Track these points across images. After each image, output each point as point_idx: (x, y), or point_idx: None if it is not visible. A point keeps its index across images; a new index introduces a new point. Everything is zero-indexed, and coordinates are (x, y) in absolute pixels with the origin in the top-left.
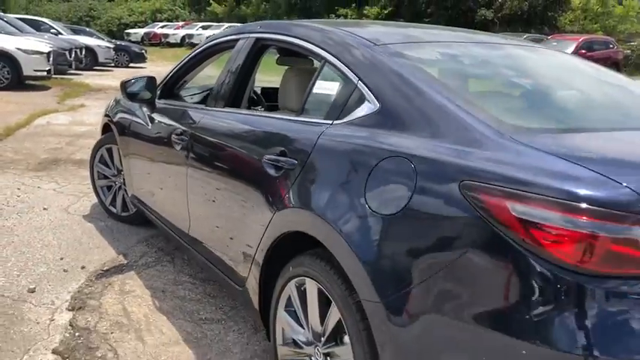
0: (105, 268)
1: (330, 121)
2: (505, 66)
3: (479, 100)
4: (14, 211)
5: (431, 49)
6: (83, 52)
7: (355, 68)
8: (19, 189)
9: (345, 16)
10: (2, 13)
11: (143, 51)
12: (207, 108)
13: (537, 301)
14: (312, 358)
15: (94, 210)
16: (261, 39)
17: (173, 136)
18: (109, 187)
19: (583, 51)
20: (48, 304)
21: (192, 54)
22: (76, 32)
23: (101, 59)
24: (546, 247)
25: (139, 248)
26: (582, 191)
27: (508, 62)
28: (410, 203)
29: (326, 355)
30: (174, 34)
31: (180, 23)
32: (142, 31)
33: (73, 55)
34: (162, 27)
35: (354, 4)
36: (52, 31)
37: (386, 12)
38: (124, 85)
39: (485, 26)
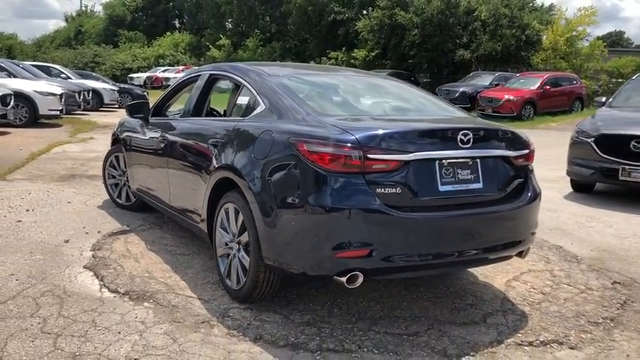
0: (114, 232)
1: (242, 118)
2: (343, 85)
3: (311, 101)
4: (47, 204)
5: (301, 77)
6: (90, 94)
7: (256, 88)
8: (48, 192)
9: (336, 59)
10: (18, 61)
11: (145, 93)
12: (180, 119)
13: (317, 186)
14: (233, 249)
15: (105, 203)
16: (212, 74)
17: (158, 139)
18: (116, 185)
19: (548, 87)
20: (78, 247)
21: (174, 85)
22: (83, 77)
23: (106, 100)
24: (318, 161)
25: (138, 222)
26: (333, 137)
27: (346, 83)
28: (270, 151)
29: (238, 242)
30: (174, 78)
31: (181, 67)
32: (144, 75)
33: (81, 97)
34: (163, 71)
35: (344, 48)
36: (62, 75)
37: (373, 54)
38: (129, 106)
39: (463, 66)
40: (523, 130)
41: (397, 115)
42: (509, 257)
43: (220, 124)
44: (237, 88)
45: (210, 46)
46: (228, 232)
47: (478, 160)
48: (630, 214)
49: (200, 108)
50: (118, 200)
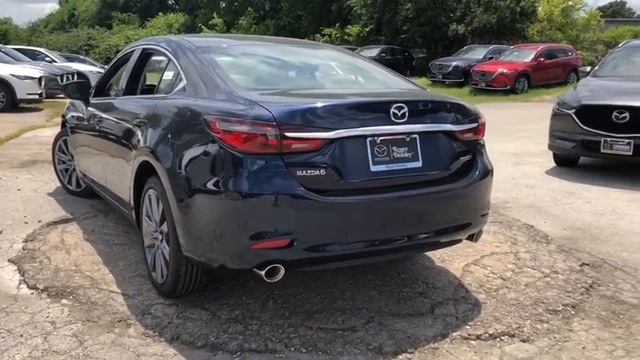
0: (55, 220)
1: (166, 95)
2: (280, 57)
3: (237, 75)
4: None
5: (233, 49)
6: (75, 77)
7: (181, 61)
8: (0, 179)
9: (330, 36)
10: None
11: None
12: (114, 98)
13: (231, 169)
14: (157, 239)
15: (57, 190)
16: (145, 49)
17: (94, 121)
18: (67, 170)
19: (542, 59)
20: (10, 239)
21: (112, 63)
22: (70, 60)
23: (93, 83)
24: (229, 141)
25: (84, 209)
26: (247, 114)
27: (285, 55)
28: (185, 131)
29: (160, 232)
30: None
31: None
32: None
33: (64, 80)
34: None
35: (337, 24)
36: (47, 59)
37: (367, 30)
38: (65, 87)
39: (458, 39)
40: (517, 104)
41: (332, 88)
42: (457, 242)
43: (145, 103)
44: (167, 62)
45: (203, 27)
46: (152, 221)
47: (416, 137)
48: (611, 189)
49: (134, 86)
50: (68, 186)
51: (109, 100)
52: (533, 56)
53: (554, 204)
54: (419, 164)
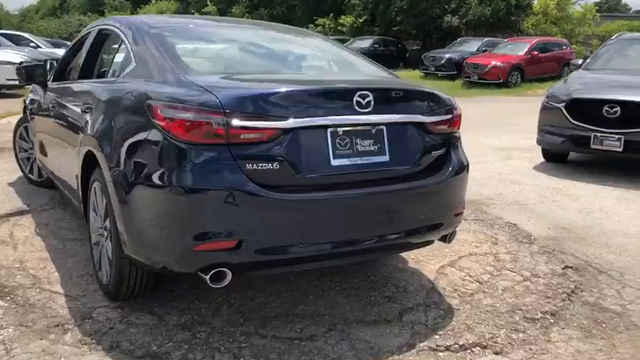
0: (9, 212)
1: (115, 79)
2: (242, 39)
3: (188, 57)
4: None
5: (190, 29)
6: None
7: (132, 42)
8: None
9: (323, 26)
10: None
11: None
12: (70, 82)
13: (173, 161)
14: (103, 235)
15: (19, 180)
16: (101, 29)
17: (50, 107)
18: (28, 159)
19: (536, 52)
20: None
21: (70, 45)
22: (56, 45)
23: None
24: (172, 129)
25: (43, 200)
26: (191, 99)
27: (247, 37)
28: (128, 118)
29: (105, 228)
30: None
31: None
32: None
33: (48, 66)
34: None
35: (331, 14)
36: (32, 44)
37: (361, 21)
38: (18, 70)
39: (452, 32)
40: (510, 98)
41: (295, 74)
42: (428, 243)
43: (93, 87)
44: (120, 43)
45: (196, 14)
46: (98, 216)
47: (383, 128)
48: (600, 186)
49: (90, 68)
50: (30, 176)
51: (65, 85)
52: (527, 49)
53: (540, 201)
54: (386, 158)
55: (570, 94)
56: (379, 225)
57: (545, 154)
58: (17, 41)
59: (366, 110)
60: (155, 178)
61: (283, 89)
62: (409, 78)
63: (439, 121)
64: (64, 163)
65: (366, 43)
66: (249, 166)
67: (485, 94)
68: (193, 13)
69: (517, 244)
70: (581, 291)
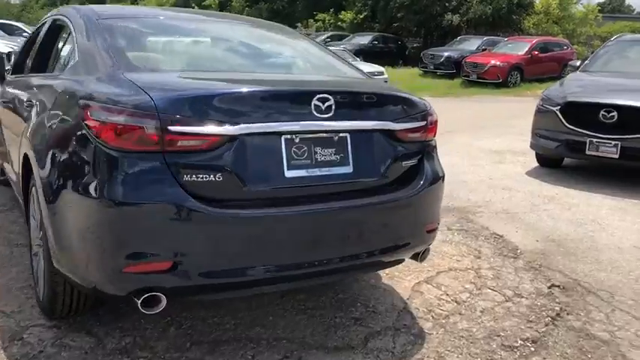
0: None
1: (59, 73)
2: (202, 33)
3: (136, 53)
4: None
5: (144, 22)
6: None
7: (79, 33)
8: None
9: (323, 21)
10: None
11: None
12: (22, 76)
13: (101, 171)
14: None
15: None
16: (55, 19)
17: (3, 100)
18: None
19: (536, 52)
20: None
21: (28, 37)
22: None
23: None
24: (102, 134)
25: (2, 202)
26: (123, 100)
27: (208, 31)
28: (60, 120)
29: (41, 238)
30: None
31: None
32: None
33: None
34: None
35: (332, 10)
36: (25, 34)
37: (361, 17)
38: None
39: (453, 30)
40: (508, 98)
41: (250, 73)
42: (397, 262)
43: (37, 82)
44: (68, 34)
45: (195, 6)
46: (37, 224)
47: (347, 136)
48: (594, 194)
49: (40, 62)
50: None
51: (17, 79)
52: (527, 49)
53: (531, 210)
54: (349, 169)
55: (566, 97)
56: (340, 244)
57: (539, 158)
58: (10, 31)
59: (327, 116)
60: (82, 188)
61: (230, 90)
62: (407, 76)
63: (411, 129)
64: (13, 163)
65: (365, 39)
66: (187, 178)
67: (483, 93)
68: (193, 7)
69: (501, 259)
70: (567, 314)
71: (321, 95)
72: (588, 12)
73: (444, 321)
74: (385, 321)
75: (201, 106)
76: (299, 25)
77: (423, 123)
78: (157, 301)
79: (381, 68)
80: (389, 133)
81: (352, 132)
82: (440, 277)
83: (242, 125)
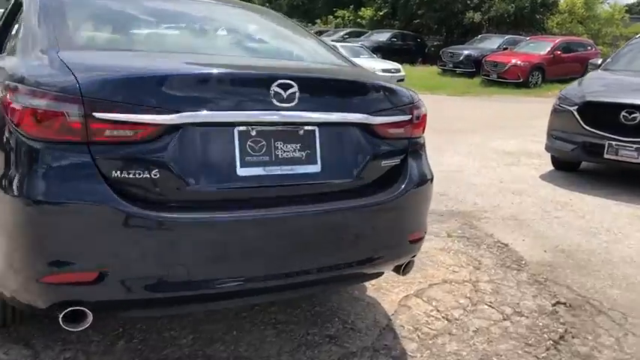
0: None
1: (6, 54)
2: (162, 11)
3: (81, 32)
4: None
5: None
6: None
7: (27, 11)
8: None
9: (343, 18)
10: None
11: None
12: None
13: (18, 164)
14: None
15: None
16: None
17: None
18: None
19: (559, 52)
20: None
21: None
22: None
23: None
24: (21, 122)
25: None
26: (43, 82)
27: (171, 8)
28: None
29: None
30: None
31: None
32: None
33: None
34: None
35: (351, 6)
36: None
37: (381, 13)
38: None
39: (474, 28)
40: (528, 98)
41: (205, 55)
42: (376, 275)
43: None
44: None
45: None
46: None
47: (315, 129)
48: (611, 201)
49: (2, 42)
50: None
51: None
52: (549, 49)
53: (541, 217)
54: (316, 169)
55: (584, 96)
56: (305, 254)
57: (555, 161)
58: None
59: (289, 105)
60: (1, 183)
61: (172, 72)
62: (425, 74)
63: (393, 123)
64: None
65: (383, 36)
66: (115, 175)
67: (503, 93)
68: None
69: (503, 271)
70: (573, 337)
71: (282, 81)
72: (615, 12)
73: (430, 342)
74: (363, 340)
75: (134, 89)
76: (318, 21)
77: (408, 117)
78: (81, 317)
79: (397, 65)
80: (366, 128)
81: (321, 125)
82: (432, 289)
83: (186, 113)
